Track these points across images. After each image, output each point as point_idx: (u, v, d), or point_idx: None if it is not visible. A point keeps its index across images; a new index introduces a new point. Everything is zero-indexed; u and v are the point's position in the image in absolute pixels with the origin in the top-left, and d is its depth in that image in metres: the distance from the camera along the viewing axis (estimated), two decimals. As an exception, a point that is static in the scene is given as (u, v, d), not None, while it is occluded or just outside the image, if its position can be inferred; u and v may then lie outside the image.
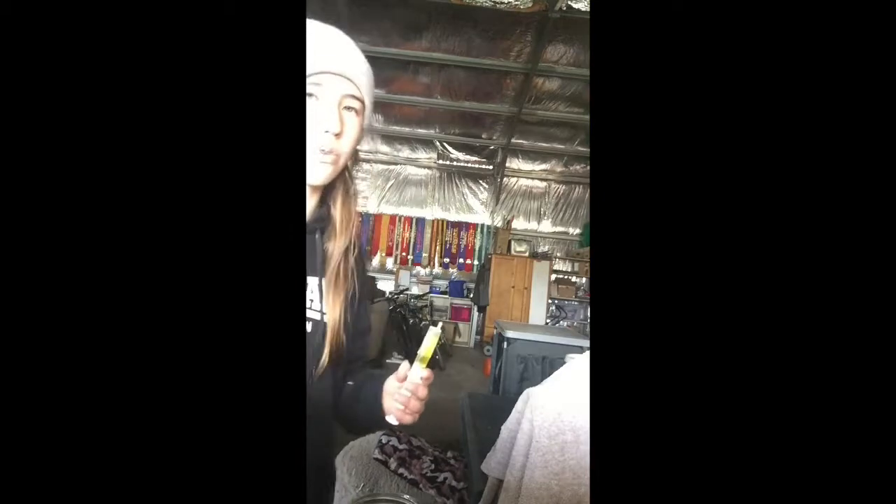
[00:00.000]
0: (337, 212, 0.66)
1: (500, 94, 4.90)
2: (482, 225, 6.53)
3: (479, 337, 6.13)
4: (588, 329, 5.11)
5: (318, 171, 0.60)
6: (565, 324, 6.15)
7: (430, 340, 0.62)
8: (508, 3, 3.53)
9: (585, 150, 5.69)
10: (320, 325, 0.63)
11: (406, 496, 0.48)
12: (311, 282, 0.63)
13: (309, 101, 0.57)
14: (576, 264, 6.53)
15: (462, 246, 6.49)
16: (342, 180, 0.66)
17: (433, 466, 1.93)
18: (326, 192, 0.67)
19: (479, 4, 3.54)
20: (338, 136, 0.59)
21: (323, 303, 0.64)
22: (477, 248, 6.50)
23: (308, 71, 0.55)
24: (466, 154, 6.23)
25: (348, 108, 0.60)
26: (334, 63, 0.58)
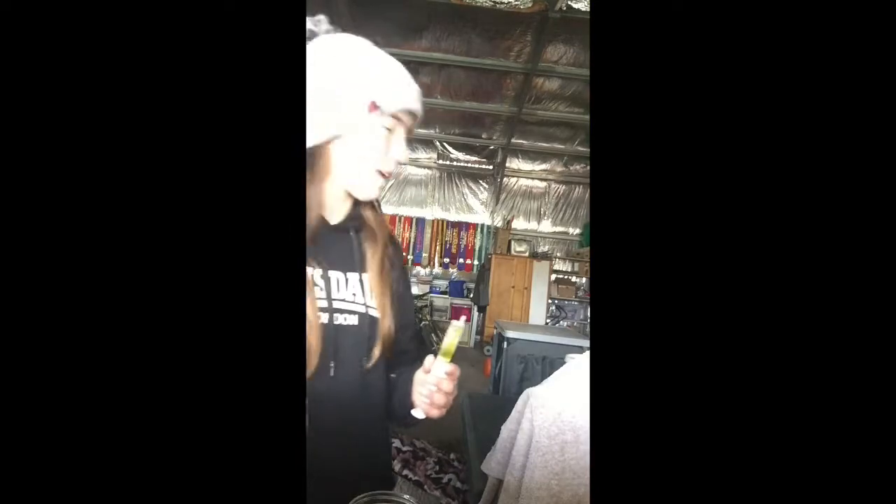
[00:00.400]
0: (368, 212, 0.72)
1: (500, 94, 4.90)
2: (482, 225, 6.53)
3: (479, 337, 6.13)
4: (588, 329, 5.10)
5: (373, 190, 0.69)
6: (565, 324, 6.15)
7: (452, 335, 0.63)
8: (508, 3, 3.53)
9: (585, 150, 5.69)
10: (366, 318, 0.68)
11: (406, 496, 0.48)
12: (352, 277, 0.68)
13: (387, 132, 0.65)
14: (576, 264, 6.53)
15: (462, 246, 6.49)
16: None
17: (437, 468, 1.93)
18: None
19: (479, 4, 3.54)
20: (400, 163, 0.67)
21: (366, 297, 0.69)
22: (477, 248, 6.50)
23: (403, 106, 0.65)
24: (466, 154, 6.24)
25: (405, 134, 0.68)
26: (416, 102, 0.67)
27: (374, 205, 0.73)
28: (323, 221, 0.68)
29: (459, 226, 6.51)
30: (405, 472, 1.89)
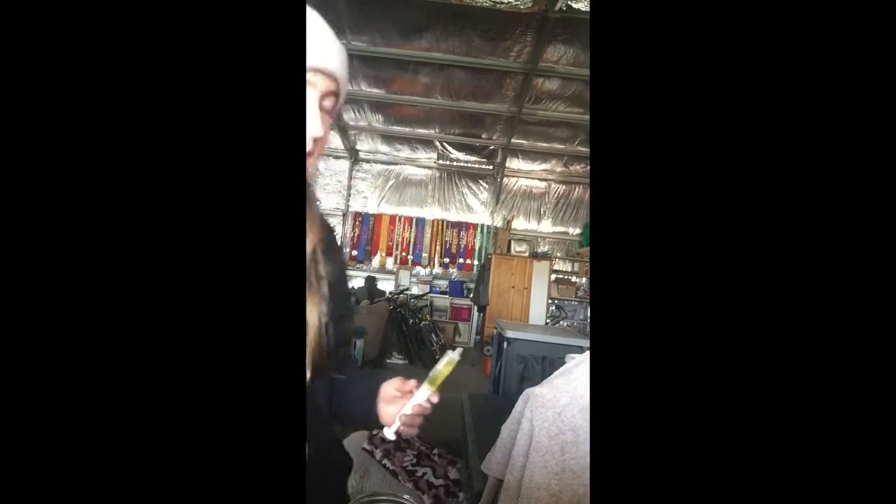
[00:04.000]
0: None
1: (500, 94, 4.89)
2: (482, 225, 6.53)
3: (479, 337, 6.13)
4: (588, 329, 5.10)
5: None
6: (565, 324, 6.15)
7: (444, 366, 0.62)
8: (508, 3, 3.53)
9: (585, 150, 5.68)
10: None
11: (406, 496, 0.48)
12: None
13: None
14: (576, 264, 6.52)
15: (462, 246, 6.49)
16: None
17: (415, 461, 1.94)
18: None
19: (479, 4, 3.54)
20: (317, 140, 0.55)
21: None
22: (477, 248, 6.50)
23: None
24: (466, 154, 6.23)
25: (325, 108, 0.56)
26: (317, 59, 0.53)
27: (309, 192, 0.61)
28: None
29: (459, 226, 6.51)
30: (384, 461, 1.90)
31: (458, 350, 0.66)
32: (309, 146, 0.54)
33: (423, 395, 0.61)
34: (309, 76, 0.53)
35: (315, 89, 0.54)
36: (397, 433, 0.63)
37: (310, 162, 0.56)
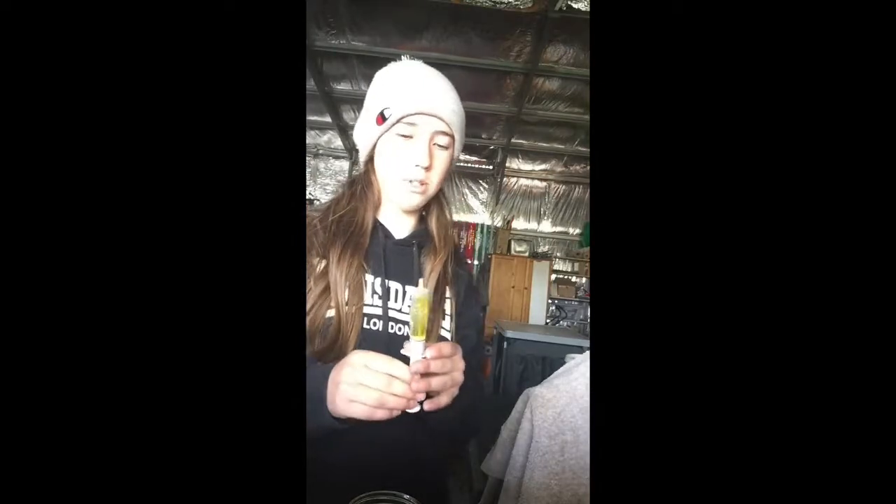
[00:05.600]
0: (433, 230, 0.76)
1: (500, 94, 4.89)
2: (482, 225, 6.53)
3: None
4: (588, 329, 5.09)
5: (409, 199, 0.70)
6: (565, 324, 6.15)
7: (417, 307, 0.52)
8: (508, 3, 3.53)
9: (585, 150, 5.67)
10: None
11: (406, 496, 0.48)
12: (410, 290, 0.71)
13: (405, 139, 0.67)
14: (576, 264, 6.52)
15: (462, 246, 6.49)
16: (437, 203, 0.77)
17: None
18: (425, 212, 0.77)
19: (479, 4, 3.54)
20: (427, 169, 0.68)
21: None
22: (477, 248, 6.49)
23: (407, 111, 0.66)
24: (466, 154, 6.23)
25: (439, 144, 0.69)
26: (428, 104, 0.67)
27: (441, 219, 0.76)
28: (389, 236, 0.73)
29: (459, 226, 6.50)
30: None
31: (421, 282, 0.58)
32: (419, 175, 0.67)
33: (416, 352, 0.52)
34: (415, 118, 0.66)
35: (420, 129, 0.67)
36: (426, 409, 0.53)
37: (428, 191, 0.70)
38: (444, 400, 0.55)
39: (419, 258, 0.74)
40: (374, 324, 0.67)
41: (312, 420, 0.51)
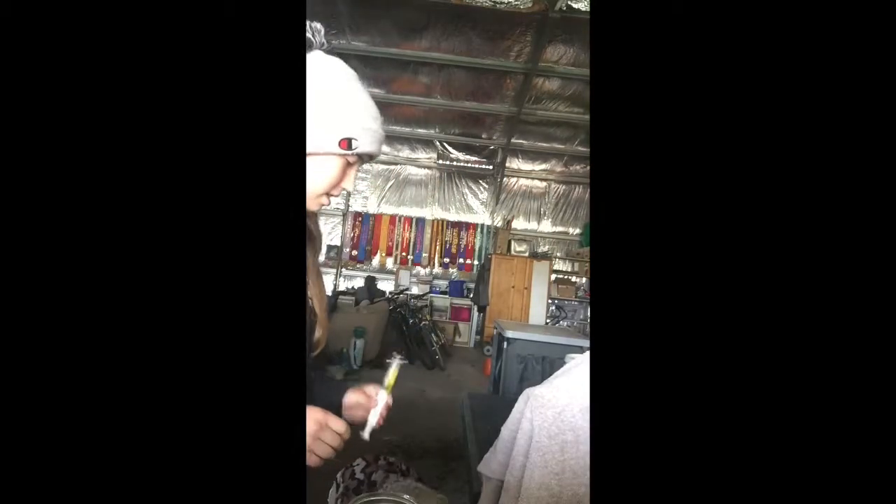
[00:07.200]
0: (310, 222, 0.80)
1: (500, 94, 4.89)
2: (482, 225, 6.53)
3: (479, 337, 6.12)
4: (588, 329, 5.09)
5: (316, 206, 0.72)
6: (565, 324, 6.15)
7: (393, 372, 0.76)
8: (508, 3, 3.53)
9: (585, 150, 5.68)
10: (311, 310, 0.75)
11: (406, 496, 0.48)
12: None
13: (342, 165, 0.68)
14: (576, 264, 6.52)
15: (462, 246, 6.49)
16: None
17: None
18: None
19: (479, 4, 3.54)
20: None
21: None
22: (477, 248, 6.49)
23: (360, 149, 0.68)
24: (466, 154, 6.23)
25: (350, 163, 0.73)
26: (378, 146, 0.70)
27: (312, 218, 0.81)
28: None
29: (459, 226, 6.51)
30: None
31: (397, 358, 0.81)
32: (338, 194, 0.71)
33: (383, 399, 0.75)
34: (365, 156, 0.70)
35: (360, 163, 0.71)
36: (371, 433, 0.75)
37: (327, 200, 0.72)
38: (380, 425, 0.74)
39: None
40: None
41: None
